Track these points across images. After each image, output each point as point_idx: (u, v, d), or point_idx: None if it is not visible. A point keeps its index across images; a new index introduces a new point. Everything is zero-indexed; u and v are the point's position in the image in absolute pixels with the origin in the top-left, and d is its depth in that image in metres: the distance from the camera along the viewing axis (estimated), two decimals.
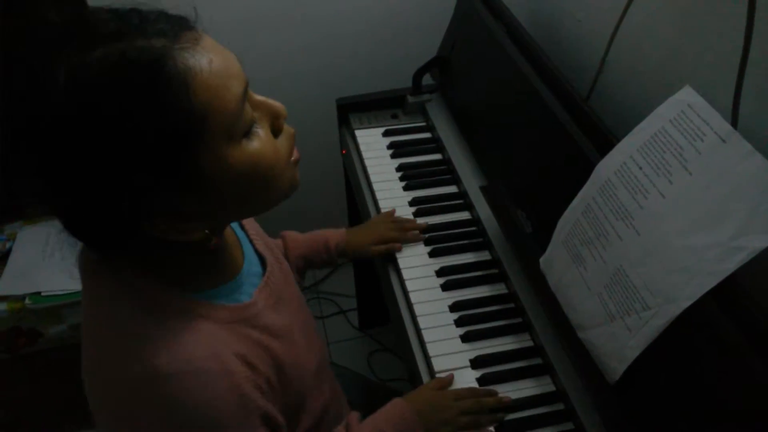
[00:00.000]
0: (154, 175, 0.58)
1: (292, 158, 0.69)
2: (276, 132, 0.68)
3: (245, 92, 0.62)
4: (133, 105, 0.54)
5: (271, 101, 0.67)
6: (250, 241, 0.87)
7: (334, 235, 1.19)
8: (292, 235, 1.18)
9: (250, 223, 0.91)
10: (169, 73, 0.55)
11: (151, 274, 0.68)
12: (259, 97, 0.66)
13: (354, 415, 0.93)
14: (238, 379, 0.68)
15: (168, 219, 0.61)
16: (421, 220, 1.24)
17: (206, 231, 0.65)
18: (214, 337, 0.68)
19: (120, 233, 0.62)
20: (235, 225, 0.87)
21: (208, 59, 0.58)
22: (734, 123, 0.86)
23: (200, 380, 0.64)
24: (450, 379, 0.97)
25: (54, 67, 0.54)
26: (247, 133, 0.63)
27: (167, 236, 0.62)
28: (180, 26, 0.59)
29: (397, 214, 1.25)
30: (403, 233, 1.19)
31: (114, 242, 0.65)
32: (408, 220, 1.22)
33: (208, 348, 0.66)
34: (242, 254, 0.82)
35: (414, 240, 1.19)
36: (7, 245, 1.55)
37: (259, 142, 0.64)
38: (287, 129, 0.69)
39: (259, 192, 0.66)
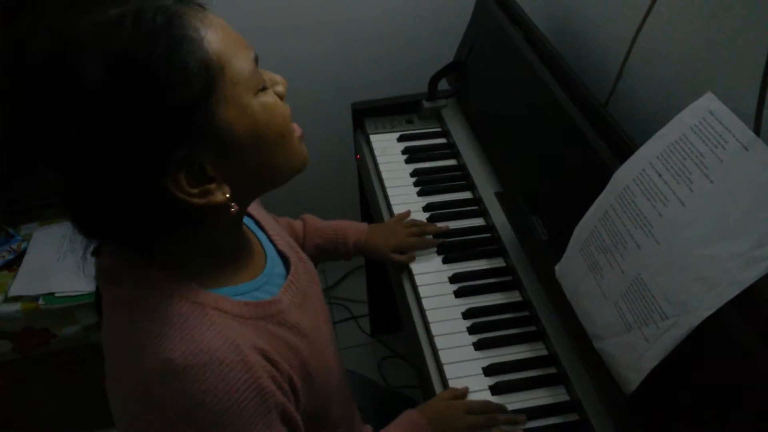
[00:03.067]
0: (176, 125, 0.59)
1: (297, 134, 0.72)
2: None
3: (256, 59, 0.66)
4: (154, 56, 0.57)
5: (270, 72, 0.70)
6: (271, 242, 0.86)
7: (355, 231, 1.18)
8: (312, 221, 1.17)
9: (269, 223, 0.89)
10: (183, 25, 0.59)
11: (170, 271, 0.67)
12: (260, 69, 0.69)
13: (368, 429, 0.91)
14: (258, 371, 0.65)
15: (191, 177, 0.62)
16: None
17: (227, 195, 0.65)
18: (233, 330, 0.66)
19: (144, 205, 0.62)
20: (254, 227, 0.86)
21: (218, 23, 0.63)
22: (757, 130, 0.84)
23: (217, 371, 0.62)
24: (464, 391, 0.96)
25: (75, 29, 0.57)
26: (263, 89, 0.67)
27: (189, 198, 0.62)
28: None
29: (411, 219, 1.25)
30: (422, 240, 1.18)
31: (138, 224, 0.64)
32: (427, 224, 1.22)
33: (226, 339, 0.64)
34: (264, 255, 0.82)
35: (432, 245, 1.18)
36: (23, 246, 1.55)
37: (273, 98, 0.68)
38: (286, 104, 0.72)
39: (273, 150, 0.68)
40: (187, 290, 0.67)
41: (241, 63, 0.63)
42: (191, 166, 0.62)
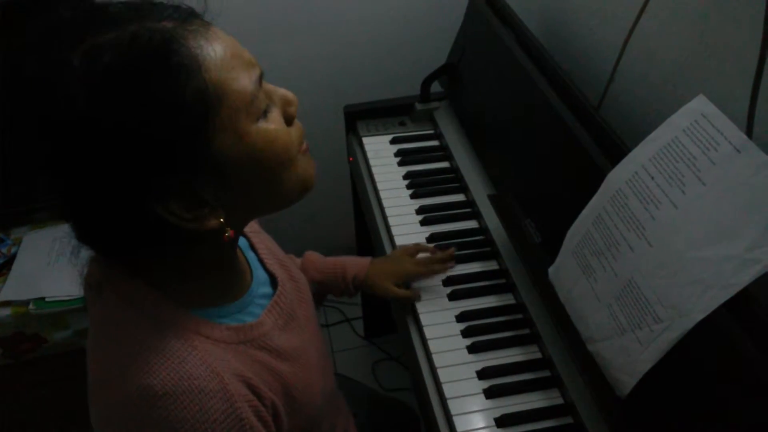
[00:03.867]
0: (169, 154, 0.57)
1: (302, 147, 0.69)
2: (288, 120, 0.67)
3: (260, 77, 0.63)
4: (149, 84, 0.55)
5: (282, 90, 0.67)
6: (261, 261, 0.85)
7: (355, 265, 1.12)
8: (312, 257, 1.14)
9: (261, 242, 0.87)
10: (181, 52, 0.56)
11: (157, 291, 0.66)
12: (270, 86, 0.66)
13: None
14: (237, 401, 0.64)
15: (184, 202, 0.60)
16: (427, 228, 1.23)
17: (221, 219, 0.63)
18: (214, 357, 0.65)
19: (135, 225, 0.61)
20: (244, 247, 0.84)
21: (221, 42, 0.60)
22: (749, 133, 0.85)
23: (196, 400, 0.61)
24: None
25: (68, 52, 0.55)
26: (264, 115, 0.63)
27: (181, 223, 0.61)
28: (189, 14, 0.61)
29: (404, 222, 1.24)
30: (429, 268, 1.12)
31: (128, 240, 0.63)
32: (434, 254, 1.15)
33: (207, 367, 0.63)
34: (251, 275, 0.80)
35: (441, 272, 1.13)
36: (13, 250, 1.54)
37: (274, 124, 0.64)
38: (297, 123, 0.69)
39: (273, 178, 0.66)
40: (171, 313, 0.66)
41: (241, 87, 0.60)
42: (184, 193, 0.60)
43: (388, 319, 1.16)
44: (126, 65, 0.55)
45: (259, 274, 0.82)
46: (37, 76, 0.57)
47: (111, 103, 0.54)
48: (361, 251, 1.76)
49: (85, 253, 0.68)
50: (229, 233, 0.66)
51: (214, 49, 0.58)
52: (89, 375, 0.67)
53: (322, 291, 1.13)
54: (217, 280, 0.72)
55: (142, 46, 0.55)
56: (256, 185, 0.65)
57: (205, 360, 0.64)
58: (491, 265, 1.17)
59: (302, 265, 1.12)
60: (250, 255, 0.84)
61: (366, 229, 1.34)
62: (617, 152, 0.92)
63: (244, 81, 0.60)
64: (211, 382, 0.62)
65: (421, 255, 1.14)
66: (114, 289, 0.67)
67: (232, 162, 0.61)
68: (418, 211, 1.27)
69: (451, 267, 1.13)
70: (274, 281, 0.83)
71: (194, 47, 0.57)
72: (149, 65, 0.55)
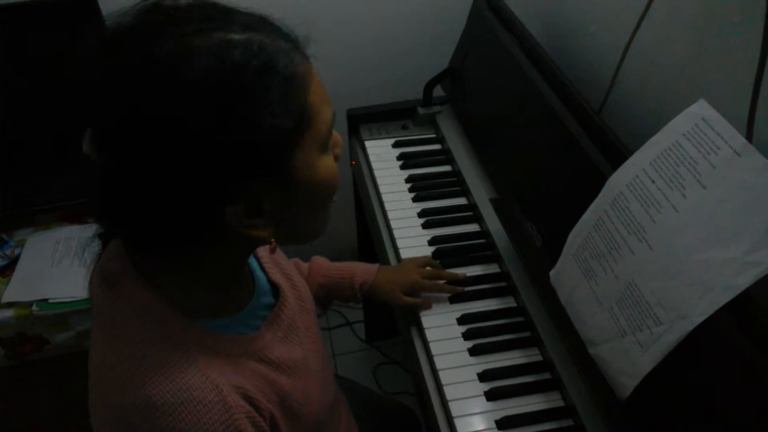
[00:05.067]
0: (258, 160, 0.59)
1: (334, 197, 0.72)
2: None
3: (333, 116, 0.67)
4: (263, 89, 0.58)
5: (336, 132, 0.71)
6: (264, 271, 0.85)
7: (364, 272, 1.12)
8: (318, 260, 1.14)
9: (265, 251, 0.87)
10: (295, 71, 0.61)
11: (163, 296, 0.67)
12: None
13: None
14: (235, 413, 0.64)
15: (247, 208, 0.61)
16: (429, 232, 1.23)
17: (265, 233, 0.65)
18: (214, 369, 0.65)
19: (193, 219, 0.61)
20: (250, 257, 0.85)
21: (317, 75, 0.65)
22: (749, 137, 0.85)
23: (194, 411, 0.61)
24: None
25: (194, 39, 0.56)
26: (329, 150, 0.68)
27: (238, 226, 0.62)
28: (297, 43, 0.65)
29: (406, 225, 1.25)
30: (435, 284, 1.12)
31: (175, 232, 0.63)
32: (442, 269, 1.15)
33: (206, 379, 0.64)
34: (254, 285, 0.80)
35: (446, 292, 1.12)
36: (16, 251, 1.55)
37: (332, 161, 0.69)
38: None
39: (318, 208, 0.69)
40: (175, 322, 0.66)
41: (326, 119, 0.65)
42: (251, 200, 0.61)
43: (390, 323, 1.17)
44: (251, 67, 0.57)
45: (262, 283, 0.82)
46: (154, 64, 0.56)
47: (223, 102, 0.56)
48: (363, 254, 1.76)
49: (97, 250, 0.69)
50: (273, 244, 0.68)
51: (314, 76, 0.64)
52: (90, 376, 0.67)
53: (329, 296, 1.13)
54: (223, 292, 0.73)
55: (268, 53, 0.59)
56: (305, 210, 0.68)
57: (205, 371, 0.64)
58: (493, 268, 1.17)
59: (309, 269, 1.12)
60: (254, 264, 0.84)
61: (368, 233, 1.35)
62: (618, 156, 0.92)
63: (328, 114, 0.65)
64: (209, 394, 0.63)
65: (428, 268, 1.14)
66: (127, 288, 0.67)
67: (299, 181, 0.63)
68: (420, 215, 1.27)
69: (461, 292, 1.12)
70: (276, 290, 0.83)
71: (305, 70, 0.62)
72: (272, 70, 0.58)
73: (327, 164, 0.67)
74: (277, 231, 0.66)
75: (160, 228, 0.63)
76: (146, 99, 0.56)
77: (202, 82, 0.55)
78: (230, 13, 0.61)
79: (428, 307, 1.10)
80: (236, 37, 0.58)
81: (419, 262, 1.14)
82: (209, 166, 0.57)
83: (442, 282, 1.12)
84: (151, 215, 0.62)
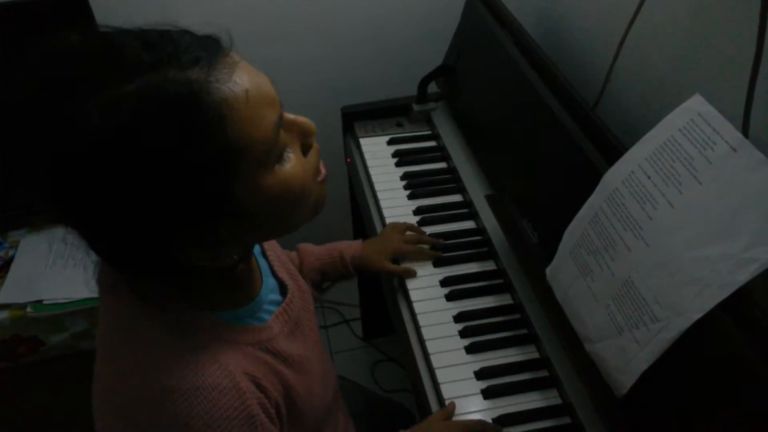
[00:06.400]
0: (188, 208, 0.56)
1: (319, 178, 0.68)
2: (306, 149, 0.67)
3: (280, 118, 0.60)
4: (170, 141, 0.52)
5: (301, 120, 0.65)
6: (271, 268, 0.86)
7: (350, 247, 1.16)
8: (307, 247, 1.15)
9: (272, 250, 0.88)
10: (205, 109, 0.53)
11: (172, 293, 0.67)
12: (290, 116, 0.64)
13: None
14: (249, 398, 0.65)
15: (199, 247, 0.60)
16: (425, 229, 1.23)
17: (235, 257, 0.65)
18: (225, 355, 0.66)
19: (150, 260, 0.61)
20: (257, 253, 0.85)
21: (244, 90, 0.56)
22: (745, 132, 0.84)
23: (209, 396, 0.62)
24: (452, 409, 0.94)
25: (85, 102, 0.51)
26: (279, 159, 0.62)
27: (196, 263, 0.61)
28: (214, 52, 0.56)
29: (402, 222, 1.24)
30: (418, 249, 1.16)
31: (142, 267, 0.63)
32: (423, 234, 1.20)
33: (219, 365, 0.64)
34: (261, 280, 0.81)
35: (430, 257, 1.16)
36: (10, 253, 1.54)
37: (290, 164, 0.63)
38: (315, 148, 0.68)
39: (288, 213, 0.65)
40: (184, 312, 0.67)
41: (261, 137, 0.57)
42: (203, 239, 0.60)
43: (387, 320, 1.16)
44: (148, 123, 0.51)
45: (269, 281, 0.83)
46: (48, 123, 0.52)
47: (131, 160, 0.52)
48: None
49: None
50: (242, 267, 0.67)
51: (237, 100, 0.55)
52: (98, 369, 0.67)
53: (325, 278, 1.15)
54: (230, 285, 0.73)
55: (166, 103, 0.52)
56: (272, 221, 0.65)
57: (218, 358, 0.65)
58: (489, 266, 1.17)
59: (299, 256, 1.13)
60: (262, 262, 0.85)
61: (363, 230, 1.34)
62: (614, 152, 0.92)
63: (264, 127, 0.57)
64: (224, 380, 0.64)
65: (409, 233, 1.19)
66: (129, 287, 0.67)
67: (249, 209, 0.60)
68: (416, 212, 1.27)
69: (439, 256, 1.17)
70: (282, 289, 0.84)
71: (218, 101, 0.54)
72: (172, 124, 0.52)
73: (280, 177, 0.61)
74: (248, 246, 0.67)
75: (133, 267, 0.63)
76: (63, 165, 0.53)
77: (102, 147, 0.51)
78: (112, 49, 0.53)
79: (413, 275, 1.14)
80: (126, 90, 0.51)
81: (400, 228, 1.19)
82: (140, 225, 0.56)
83: (424, 247, 1.17)
84: (115, 259, 0.62)
